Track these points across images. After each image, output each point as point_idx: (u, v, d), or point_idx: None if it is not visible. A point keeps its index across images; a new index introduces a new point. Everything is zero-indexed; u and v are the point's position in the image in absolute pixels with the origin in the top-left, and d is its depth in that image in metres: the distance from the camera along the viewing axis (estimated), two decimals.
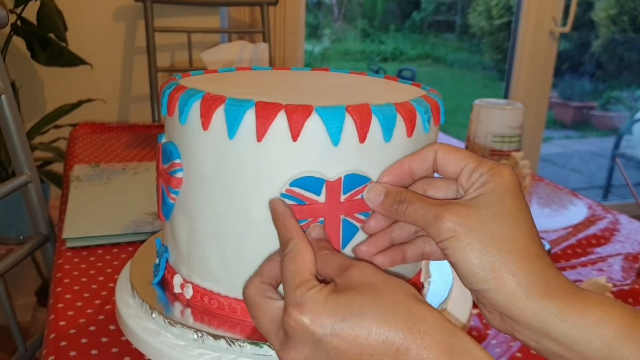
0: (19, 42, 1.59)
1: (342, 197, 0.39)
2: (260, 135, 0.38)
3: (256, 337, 0.40)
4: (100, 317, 0.58)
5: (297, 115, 0.37)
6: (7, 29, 1.49)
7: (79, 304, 0.61)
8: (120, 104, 1.80)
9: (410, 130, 0.40)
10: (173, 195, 0.43)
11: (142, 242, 0.74)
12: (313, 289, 0.33)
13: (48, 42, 1.55)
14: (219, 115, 0.38)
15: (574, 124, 4.86)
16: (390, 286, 0.33)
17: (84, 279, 0.66)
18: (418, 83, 0.50)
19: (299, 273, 0.34)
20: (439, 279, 0.49)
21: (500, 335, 0.60)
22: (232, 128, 0.38)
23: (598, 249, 0.83)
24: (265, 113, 0.37)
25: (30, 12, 1.51)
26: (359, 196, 0.39)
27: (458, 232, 0.34)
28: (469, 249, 0.33)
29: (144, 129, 1.34)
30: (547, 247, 0.68)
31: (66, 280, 0.65)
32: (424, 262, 0.48)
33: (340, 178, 0.39)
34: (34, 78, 1.69)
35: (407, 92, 0.47)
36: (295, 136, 0.37)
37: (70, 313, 0.59)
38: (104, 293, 0.63)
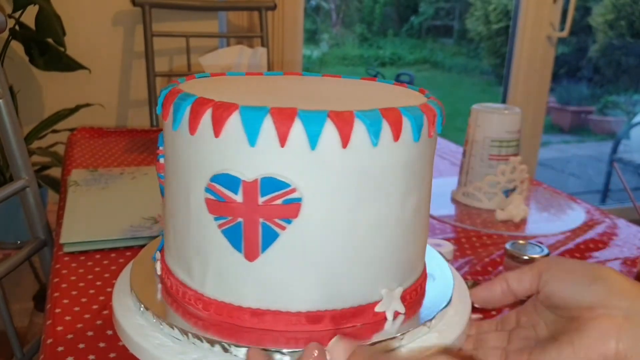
0: (17, 47, 1.59)
1: (260, 200, 0.38)
2: (192, 130, 0.40)
3: (262, 343, 0.39)
4: (98, 322, 0.58)
5: (222, 111, 0.38)
6: (6, 33, 1.49)
7: (76, 309, 0.60)
8: (119, 109, 1.80)
9: (344, 141, 0.38)
10: (161, 179, 0.47)
11: (140, 246, 0.74)
12: None
13: (46, 47, 1.55)
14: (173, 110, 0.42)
15: (572, 128, 4.87)
16: None
17: (81, 284, 0.65)
18: (423, 89, 0.50)
19: None
20: (441, 284, 0.49)
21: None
22: (175, 120, 0.41)
23: (596, 254, 0.83)
24: (198, 108, 0.39)
25: (29, 17, 1.51)
26: (278, 201, 0.38)
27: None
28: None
29: (142, 133, 1.33)
30: (546, 251, 0.68)
31: (63, 285, 0.65)
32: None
33: (257, 180, 0.38)
34: (32, 83, 1.69)
35: (394, 97, 0.47)
36: (217, 132, 0.38)
37: (67, 318, 0.59)
38: (101, 298, 0.63)
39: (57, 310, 0.60)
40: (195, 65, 1.64)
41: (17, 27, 1.54)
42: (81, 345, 0.54)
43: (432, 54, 5.85)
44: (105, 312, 0.60)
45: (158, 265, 0.48)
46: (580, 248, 0.84)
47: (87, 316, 0.59)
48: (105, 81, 1.75)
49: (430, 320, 0.43)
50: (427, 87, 0.50)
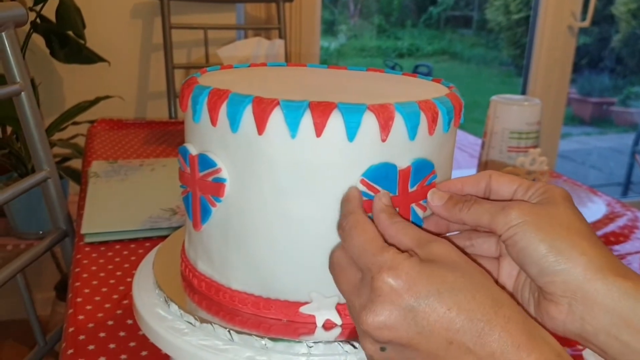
0: (38, 40, 1.60)
1: (199, 174, 0.41)
2: (183, 107, 0.43)
3: (285, 334, 0.39)
4: (118, 311, 0.59)
5: (185, 88, 0.42)
6: (27, 26, 1.51)
7: (97, 298, 0.61)
8: (138, 101, 1.81)
9: (260, 128, 0.38)
10: None
11: (158, 237, 0.75)
12: (403, 254, 0.33)
13: (67, 40, 1.57)
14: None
15: (593, 120, 4.80)
16: (473, 267, 0.33)
17: (102, 274, 0.66)
18: (438, 79, 0.49)
19: (375, 240, 0.34)
20: None
21: None
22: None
23: (617, 247, 0.82)
24: (184, 86, 0.44)
25: (49, 10, 1.53)
26: (210, 178, 0.41)
27: (526, 219, 0.35)
28: (538, 233, 0.34)
29: (160, 125, 1.34)
30: None
31: (85, 275, 0.66)
32: None
33: (197, 155, 0.41)
34: (53, 75, 1.71)
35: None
36: (184, 107, 0.43)
37: (88, 307, 0.60)
38: (121, 288, 0.64)
39: (79, 300, 0.61)
40: (213, 57, 1.64)
41: (38, 20, 1.56)
42: (102, 334, 0.55)
43: (451, 45, 5.80)
44: (125, 301, 0.61)
45: None
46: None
47: (107, 305, 0.60)
48: (124, 73, 1.77)
49: (351, 342, 0.39)
50: (446, 78, 0.50)
